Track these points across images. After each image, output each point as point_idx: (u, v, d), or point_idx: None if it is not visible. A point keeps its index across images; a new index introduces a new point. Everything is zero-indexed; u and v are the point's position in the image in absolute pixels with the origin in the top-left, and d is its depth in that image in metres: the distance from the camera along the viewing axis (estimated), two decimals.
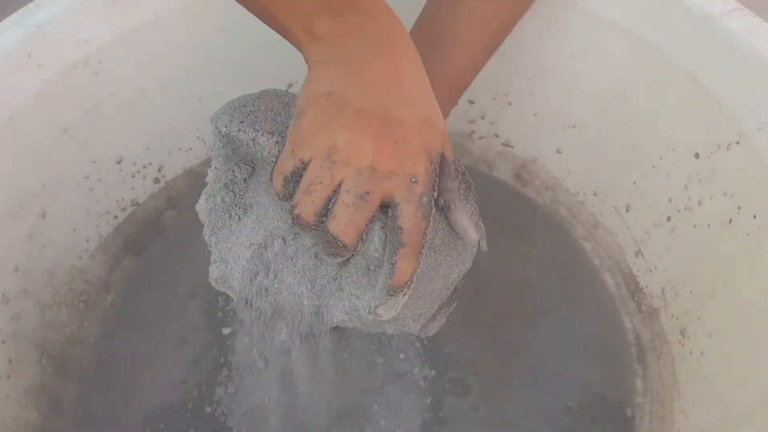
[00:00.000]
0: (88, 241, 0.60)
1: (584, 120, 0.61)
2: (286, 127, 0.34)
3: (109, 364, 0.58)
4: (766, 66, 0.42)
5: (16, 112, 0.48)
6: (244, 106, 0.37)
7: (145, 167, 0.64)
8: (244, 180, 0.38)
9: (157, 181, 0.66)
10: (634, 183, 0.58)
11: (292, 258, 0.36)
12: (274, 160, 0.35)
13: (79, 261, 0.59)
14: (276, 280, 0.36)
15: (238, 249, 0.37)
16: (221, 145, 0.38)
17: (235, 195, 0.38)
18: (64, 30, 0.50)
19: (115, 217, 0.63)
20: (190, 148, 0.67)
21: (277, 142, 0.35)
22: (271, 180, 0.34)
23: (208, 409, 0.54)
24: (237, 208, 0.38)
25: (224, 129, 0.36)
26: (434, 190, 0.33)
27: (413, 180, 0.32)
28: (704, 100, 0.47)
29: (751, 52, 0.43)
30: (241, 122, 0.36)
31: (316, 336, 0.37)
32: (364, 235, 0.32)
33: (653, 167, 0.55)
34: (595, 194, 0.64)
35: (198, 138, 0.67)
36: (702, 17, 0.46)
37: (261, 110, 0.36)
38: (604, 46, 0.54)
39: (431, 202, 0.33)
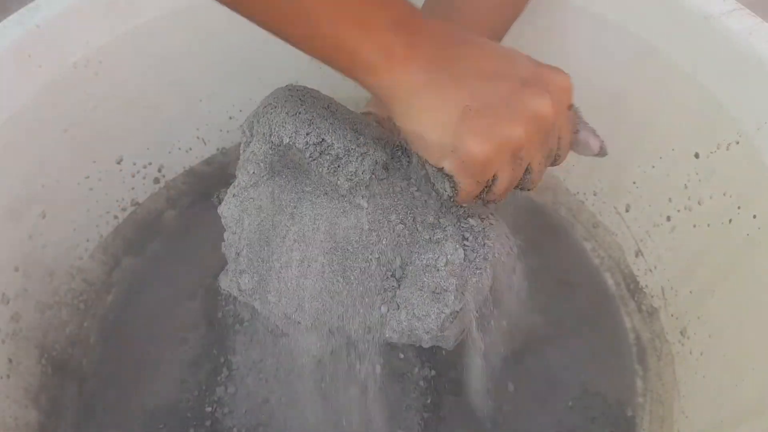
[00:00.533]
0: (88, 241, 0.60)
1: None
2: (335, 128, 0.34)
3: (109, 364, 0.58)
4: (765, 66, 0.43)
5: (16, 112, 0.48)
6: (298, 114, 0.35)
7: (145, 167, 0.64)
8: (292, 190, 0.36)
9: (157, 181, 0.66)
10: (634, 183, 0.58)
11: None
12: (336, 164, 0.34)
13: (79, 261, 0.59)
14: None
15: (281, 268, 0.36)
16: (272, 153, 0.35)
17: (282, 207, 0.36)
18: (64, 30, 0.50)
19: (115, 217, 0.63)
20: (190, 148, 0.67)
21: (342, 147, 0.34)
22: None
23: (208, 409, 0.54)
24: (284, 220, 0.36)
25: (288, 140, 0.34)
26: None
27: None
28: (704, 99, 0.47)
29: (750, 51, 0.43)
30: (307, 133, 0.34)
31: (362, 353, 0.37)
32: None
33: (653, 167, 0.55)
34: (595, 194, 0.64)
35: (198, 138, 0.67)
36: (701, 17, 0.46)
37: (316, 117, 0.35)
38: (603, 45, 0.55)
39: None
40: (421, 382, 0.54)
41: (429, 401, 0.54)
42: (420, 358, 0.55)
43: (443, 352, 0.56)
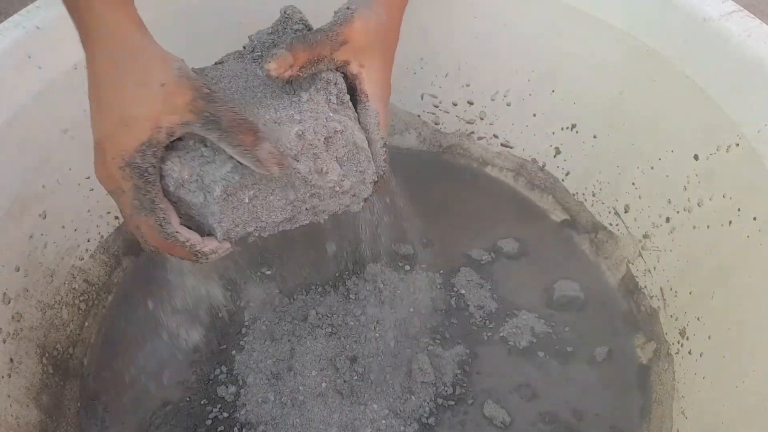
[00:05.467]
0: (89, 241, 0.60)
1: (583, 121, 0.61)
2: None
3: (109, 364, 0.58)
4: (765, 68, 0.42)
5: (17, 112, 0.48)
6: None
7: None
8: None
9: None
10: (633, 184, 0.58)
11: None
12: None
13: (80, 261, 0.59)
14: None
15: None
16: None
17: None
18: (64, 31, 0.50)
19: (116, 217, 0.63)
20: None
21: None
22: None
23: (209, 409, 0.54)
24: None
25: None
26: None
27: None
28: (703, 101, 0.47)
29: (750, 53, 0.43)
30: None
31: None
32: None
33: (652, 168, 0.55)
34: (594, 194, 0.64)
35: None
36: (701, 19, 0.46)
37: None
38: (602, 48, 0.55)
39: None
40: (423, 382, 0.54)
41: (430, 401, 0.54)
42: (422, 358, 0.55)
43: (444, 352, 0.56)
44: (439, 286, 0.61)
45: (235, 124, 0.35)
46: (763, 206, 0.44)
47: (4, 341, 0.49)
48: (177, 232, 0.38)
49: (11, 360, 0.50)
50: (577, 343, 0.58)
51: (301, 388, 0.54)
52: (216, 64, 0.43)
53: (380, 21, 0.42)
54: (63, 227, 0.56)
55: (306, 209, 0.43)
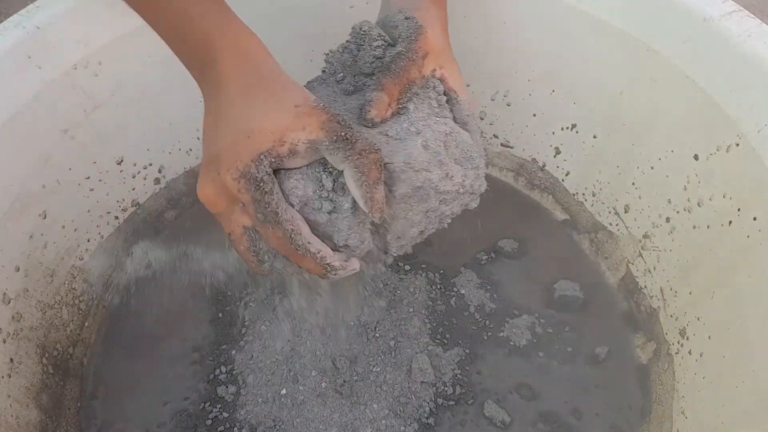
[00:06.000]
0: (88, 241, 0.60)
1: (583, 121, 0.61)
2: None
3: (110, 364, 0.58)
4: (765, 68, 0.42)
5: (17, 112, 0.48)
6: None
7: (145, 168, 0.64)
8: None
9: (157, 181, 0.66)
10: (633, 183, 0.58)
11: None
12: None
13: (80, 261, 0.59)
14: None
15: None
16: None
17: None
18: (64, 31, 0.50)
19: (116, 217, 0.63)
20: (191, 149, 0.67)
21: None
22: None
23: (209, 408, 0.54)
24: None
25: None
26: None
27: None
28: (703, 101, 0.47)
29: (750, 53, 0.43)
30: None
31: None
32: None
33: (652, 168, 0.55)
34: (594, 194, 0.64)
35: (198, 139, 0.66)
36: (701, 19, 0.46)
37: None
38: (602, 47, 0.55)
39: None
40: (423, 382, 0.54)
41: (431, 402, 0.54)
42: (425, 362, 0.55)
43: (445, 353, 0.56)
44: (439, 286, 0.61)
45: (369, 150, 0.34)
46: (763, 206, 0.44)
47: (4, 341, 0.49)
48: (309, 242, 0.36)
49: (11, 360, 0.50)
50: (577, 343, 0.58)
51: (301, 388, 0.54)
52: None
53: (439, 17, 0.43)
54: (63, 227, 0.56)
55: (435, 217, 0.42)
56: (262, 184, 0.34)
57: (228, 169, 0.34)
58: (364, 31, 0.42)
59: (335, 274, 0.38)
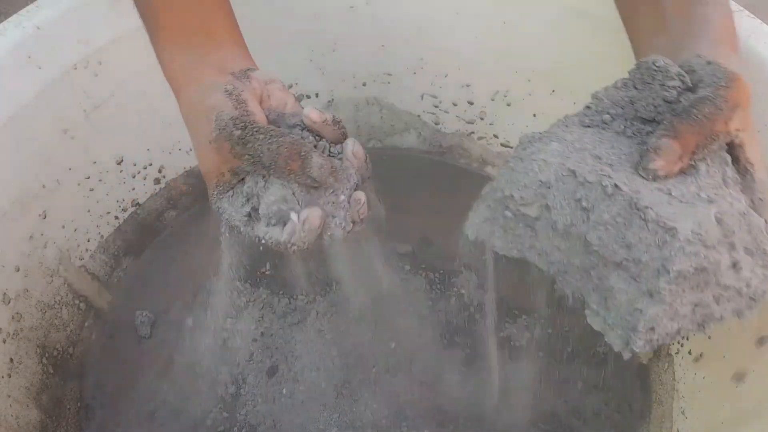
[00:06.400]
0: (88, 241, 0.60)
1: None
2: None
3: (109, 364, 0.58)
4: (766, 68, 0.42)
5: (17, 112, 0.48)
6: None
7: (145, 168, 0.64)
8: None
9: (157, 181, 0.66)
10: None
11: None
12: None
13: (80, 261, 0.59)
14: None
15: None
16: None
17: None
18: (64, 31, 0.50)
19: (116, 217, 0.63)
20: (191, 149, 0.67)
21: None
22: None
23: (209, 408, 0.54)
24: None
25: None
26: None
27: None
28: None
29: (751, 53, 0.43)
30: None
31: None
32: None
33: None
34: None
35: None
36: None
37: None
38: (603, 47, 0.54)
39: None
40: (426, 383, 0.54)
41: (434, 404, 0.54)
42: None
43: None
44: (439, 287, 0.61)
45: (275, 154, 0.34)
46: None
47: (4, 341, 0.49)
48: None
49: (11, 360, 0.50)
50: (577, 343, 0.58)
51: (301, 388, 0.54)
52: (550, 131, 0.35)
53: (740, 70, 0.35)
54: (63, 227, 0.56)
55: (700, 316, 0.32)
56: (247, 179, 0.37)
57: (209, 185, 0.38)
58: (658, 66, 0.33)
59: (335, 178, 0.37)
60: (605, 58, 0.55)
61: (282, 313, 0.59)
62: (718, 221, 0.30)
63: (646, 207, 0.30)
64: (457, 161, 0.72)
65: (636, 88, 0.34)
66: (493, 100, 0.66)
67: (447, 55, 0.65)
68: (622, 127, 0.35)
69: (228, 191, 0.38)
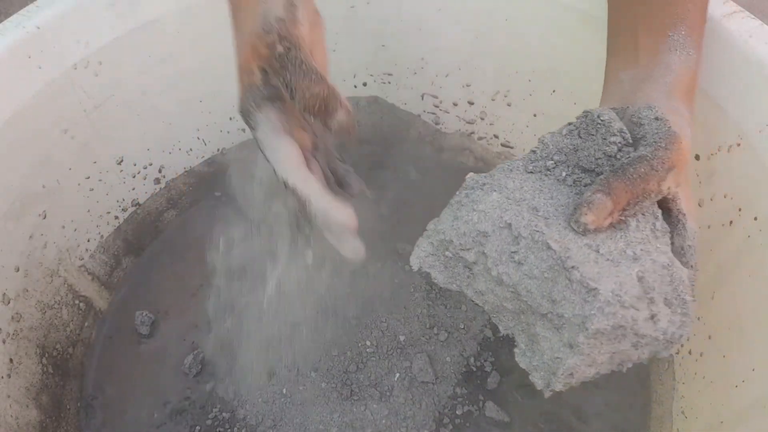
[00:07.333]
0: (88, 241, 0.60)
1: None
2: None
3: (109, 364, 0.58)
4: (766, 68, 0.42)
5: (17, 112, 0.48)
6: None
7: (145, 168, 0.64)
8: None
9: (157, 181, 0.66)
10: None
11: None
12: None
13: (80, 261, 0.59)
14: None
15: None
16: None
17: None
18: (64, 31, 0.50)
19: (116, 217, 0.63)
20: (191, 149, 0.67)
21: None
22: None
23: (209, 408, 0.54)
24: None
25: None
26: None
27: None
28: (704, 102, 0.47)
29: (751, 54, 0.43)
30: None
31: None
32: None
33: None
34: None
35: (198, 138, 0.67)
36: None
37: None
38: (603, 48, 0.54)
39: None
40: (432, 386, 0.54)
41: (438, 404, 0.54)
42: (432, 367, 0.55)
43: (446, 355, 0.56)
44: (439, 286, 0.61)
45: (305, 98, 0.34)
46: (764, 206, 0.44)
47: (4, 341, 0.49)
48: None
49: (11, 360, 0.49)
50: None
51: (301, 388, 0.54)
52: (494, 176, 0.37)
53: (690, 124, 0.36)
54: (63, 227, 0.56)
55: (617, 360, 0.34)
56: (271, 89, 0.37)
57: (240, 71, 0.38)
58: (602, 120, 0.35)
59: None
60: (606, 58, 0.55)
61: (281, 313, 0.59)
62: (640, 279, 0.32)
63: (573, 267, 0.31)
64: (458, 161, 0.72)
65: (580, 137, 0.36)
66: (493, 100, 0.66)
67: (447, 55, 0.65)
68: (564, 174, 0.36)
69: (255, 95, 0.37)
